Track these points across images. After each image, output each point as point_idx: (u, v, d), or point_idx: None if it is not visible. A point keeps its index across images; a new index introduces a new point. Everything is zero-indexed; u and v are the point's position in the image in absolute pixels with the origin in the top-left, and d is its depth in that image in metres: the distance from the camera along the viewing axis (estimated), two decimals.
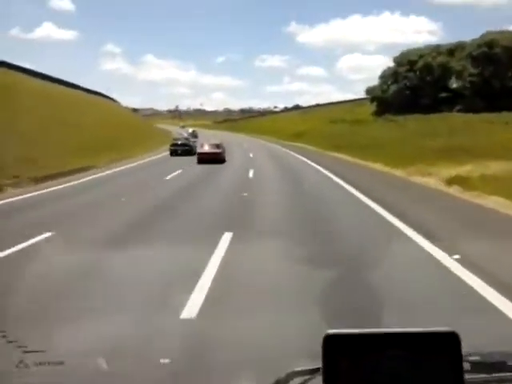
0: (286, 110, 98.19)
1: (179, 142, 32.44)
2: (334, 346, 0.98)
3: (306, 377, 1.12)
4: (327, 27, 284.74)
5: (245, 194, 11.77)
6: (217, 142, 26.31)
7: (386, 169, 20.76)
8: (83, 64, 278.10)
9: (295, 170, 19.75)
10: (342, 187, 13.28)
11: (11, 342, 1.50)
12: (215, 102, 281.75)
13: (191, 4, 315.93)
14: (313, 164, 22.40)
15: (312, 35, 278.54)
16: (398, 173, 18.96)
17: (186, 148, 30.37)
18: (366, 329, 1.00)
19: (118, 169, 19.82)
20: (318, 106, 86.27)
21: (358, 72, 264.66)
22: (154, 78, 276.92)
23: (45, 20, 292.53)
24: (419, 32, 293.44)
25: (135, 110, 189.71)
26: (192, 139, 37.25)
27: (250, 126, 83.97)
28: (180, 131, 58.83)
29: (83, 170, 18.39)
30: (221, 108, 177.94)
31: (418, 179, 16.56)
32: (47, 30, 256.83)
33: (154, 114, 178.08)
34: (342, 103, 79.75)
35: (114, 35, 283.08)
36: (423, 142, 31.96)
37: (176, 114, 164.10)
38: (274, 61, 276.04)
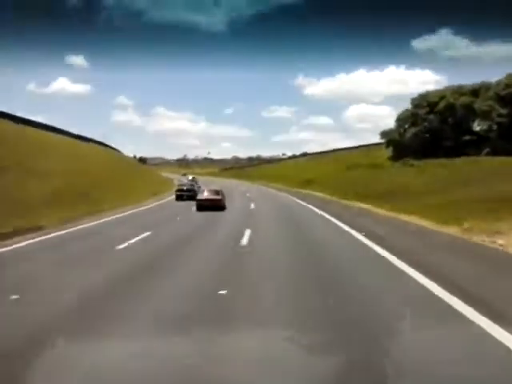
0: (293, 157, 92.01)
1: (185, 188, 33.35)
2: None
3: None
4: (333, 80, 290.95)
5: (222, 293, 6.20)
6: (217, 188, 25.64)
7: (432, 225, 15.39)
8: (96, 116, 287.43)
9: (314, 238, 13.08)
10: (400, 270, 7.74)
11: None
12: (223, 151, 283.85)
13: (201, 57, 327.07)
14: (336, 221, 16.82)
15: (319, 87, 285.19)
16: (453, 231, 13.60)
17: (191, 193, 30.67)
18: None
19: (70, 229, 14.50)
20: (325, 152, 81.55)
21: (364, 121, 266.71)
22: (164, 128, 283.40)
23: (60, 75, 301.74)
24: (425, 83, 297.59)
25: (143, 160, 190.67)
26: (196, 185, 37.33)
27: (256, 172, 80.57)
28: (181, 178, 60.30)
29: (19, 234, 13.18)
30: (229, 156, 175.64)
31: (490, 242, 11.24)
32: (62, 85, 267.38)
33: (163, 163, 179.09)
34: (351, 149, 75.40)
35: (125, 88, 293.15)
36: (460, 189, 26.96)
37: (183, 163, 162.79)
38: (282, 112, 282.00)
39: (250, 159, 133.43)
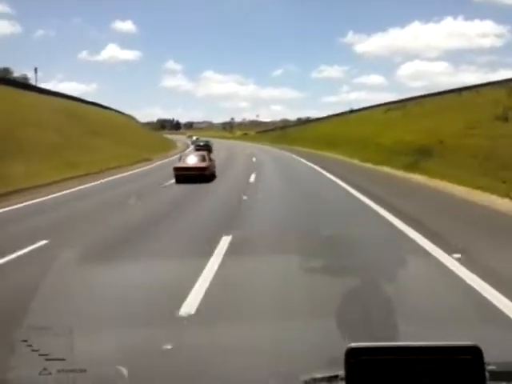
0: (341, 114, 60.69)
1: (202, 144, 44.42)
2: (356, 358, 1.02)
3: None
4: (385, 36, 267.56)
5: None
6: (203, 152, 21.46)
7: None
8: (146, 82, 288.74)
9: None
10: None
11: (34, 350, 1.47)
12: (273, 114, 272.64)
13: (247, 20, 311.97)
14: None
15: (370, 44, 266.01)
16: None
17: (207, 147, 38.61)
18: (388, 342, 1.05)
19: None
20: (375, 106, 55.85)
21: (418, 79, 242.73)
22: (213, 92, 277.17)
23: (109, 42, 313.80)
24: (485, 36, 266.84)
25: (190, 125, 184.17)
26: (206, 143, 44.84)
27: (305, 134, 53.12)
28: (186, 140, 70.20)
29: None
30: (278, 118, 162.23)
31: None
32: (112, 52, 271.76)
33: (209, 127, 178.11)
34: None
35: (174, 53, 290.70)
36: None
37: (227, 126, 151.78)
38: (332, 71, 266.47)
39: (300, 120, 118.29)
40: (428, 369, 0.98)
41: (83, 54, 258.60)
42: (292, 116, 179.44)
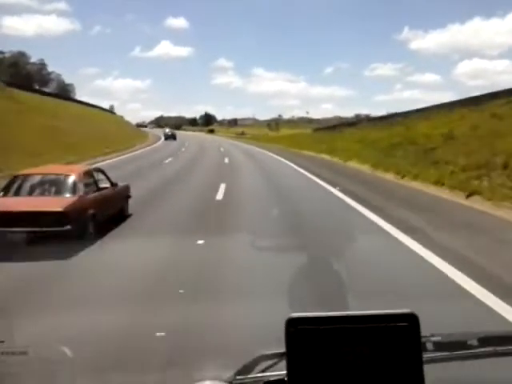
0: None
1: (170, 133, 58.96)
2: (296, 328, 1.01)
3: (275, 360, 1.16)
4: (443, 32, 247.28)
5: None
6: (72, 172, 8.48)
7: None
8: (197, 78, 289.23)
9: None
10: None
11: None
12: (324, 112, 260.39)
13: (298, 17, 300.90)
14: None
15: (426, 41, 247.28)
16: None
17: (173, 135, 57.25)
18: (328, 312, 1.03)
19: None
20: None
21: (477, 78, 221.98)
22: (263, 89, 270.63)
23: (162, 39, 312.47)
24: None
25: (234, 122, 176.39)
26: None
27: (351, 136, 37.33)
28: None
29: None
30: (329, 115, 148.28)
31: None
32: (165, 48, 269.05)
33: (253, 124, 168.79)
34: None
35: (226, 49, 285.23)
36: None
37: (272, 123, 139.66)
38: (385, 69, 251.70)
39: (357, 117, 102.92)
40: (367, 337, 1.01)
41: (136, 51, 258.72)
42: (343, 114, 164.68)
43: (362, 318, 1.01)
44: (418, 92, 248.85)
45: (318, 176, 16.89)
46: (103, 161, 22.77)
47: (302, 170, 19.79)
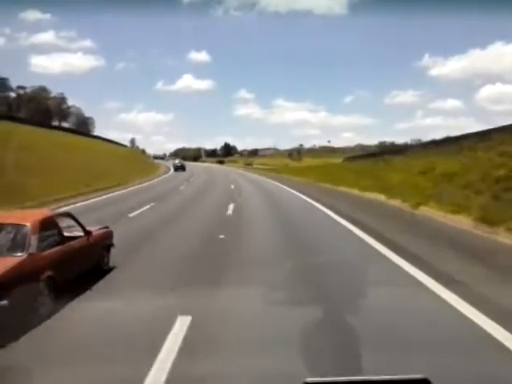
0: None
1: (179, 164, 62.76)
2: None
3: None
4: (464, 58, 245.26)
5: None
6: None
7: None
8: (218, 110, 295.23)
9: None
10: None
11: None
12: (345, 140, 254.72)
13: (316, 47, 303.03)
14: None
15: (447, 68, 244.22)
16: None
17: (183, 166, 61.33)
18: (344, 377, 1.05)
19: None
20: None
21: (501, 103, 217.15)
22: (283, 119, 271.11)
23: (184, 72, 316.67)
24: None
25: (255, 152, 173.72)
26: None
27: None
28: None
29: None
30: (352, 144, 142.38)
31: None
32: (187, 81, 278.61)
33: (274, 154, 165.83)
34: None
35: (246, 82, 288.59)
36: None
37: (293, 152, 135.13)
38: (406, 96, 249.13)
39: (383, 145, 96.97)
40: None
41: (159, 85, 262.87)
42: (365, 142, 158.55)
43: (377, 383, 1.06)
44: (440, 119, 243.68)
45: (404, 251, 8.40)
46: (66, 205, 16.63)
47: (358, 232, 10.91)
